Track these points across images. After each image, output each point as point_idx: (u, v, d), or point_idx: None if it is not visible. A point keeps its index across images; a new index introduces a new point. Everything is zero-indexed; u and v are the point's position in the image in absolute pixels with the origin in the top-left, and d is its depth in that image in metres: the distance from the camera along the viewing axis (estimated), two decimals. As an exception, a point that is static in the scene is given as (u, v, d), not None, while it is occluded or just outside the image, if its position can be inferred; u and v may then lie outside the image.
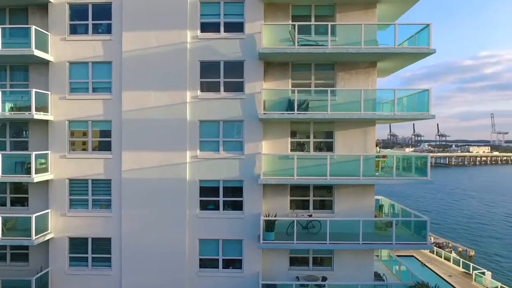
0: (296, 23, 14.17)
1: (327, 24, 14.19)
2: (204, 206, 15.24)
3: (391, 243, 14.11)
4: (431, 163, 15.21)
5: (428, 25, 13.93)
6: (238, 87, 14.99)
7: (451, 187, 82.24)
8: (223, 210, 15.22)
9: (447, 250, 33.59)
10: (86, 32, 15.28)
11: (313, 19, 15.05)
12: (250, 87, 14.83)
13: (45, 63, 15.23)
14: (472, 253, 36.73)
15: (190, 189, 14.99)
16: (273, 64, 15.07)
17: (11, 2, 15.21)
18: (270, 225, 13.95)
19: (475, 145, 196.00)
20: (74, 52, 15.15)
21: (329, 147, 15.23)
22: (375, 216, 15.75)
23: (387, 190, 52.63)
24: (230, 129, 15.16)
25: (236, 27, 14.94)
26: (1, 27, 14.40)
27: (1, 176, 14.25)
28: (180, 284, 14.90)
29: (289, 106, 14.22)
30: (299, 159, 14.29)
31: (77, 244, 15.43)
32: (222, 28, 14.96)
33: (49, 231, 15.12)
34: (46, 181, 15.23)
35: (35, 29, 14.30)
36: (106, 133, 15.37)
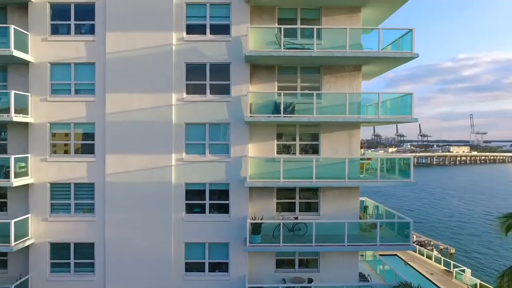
0: (282, 26, 14.22)
1: (313, 28, 14.33)
2: (190, 209, 15.11)
3: (376, 244, 14.35)
4: (413, 163, 15.56)
5: (411, 30, 14.22)
6: (224, 90, 14.93)
7: (433, 186, 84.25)
8: (209, 213, 15.13)
9: (428, 248, 34.31)
10: (68, 33, 14.92)
11: (299, 22, 15.14)
12: (237, 90, 14.79)
13: (25, 63, 14.79)
14: (452, 250, 37.72)
15: (176, 192, 14.84)
16: (259, 67, 15.07)
17: (-12, 0, 14.72)
18: (256, 228, 13.96)
19: (455, 145, 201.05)
20: (56, 53, 14.78)
21: (315, 150, 15.35)
22: (360, 218, 15.98)
23: (371, 190, 53.50)
24: (216, 132, 15.09)
25: (222, 29, 14.88)
26: (-22, 27, 13.93)
27: (-22, 181, 13.76)
28: (165, 289, 14.73)
29: (275, 109, 14.26)
30: (285, 161, 14.36)
31: (58, 250, 15.04)
32: (208, 30, 14.87)
33: (29, 236, 14.70)
34: (26, 185, 14.78)
35: (14, 28, 13.88)
36: (89, 136, 15.06)
